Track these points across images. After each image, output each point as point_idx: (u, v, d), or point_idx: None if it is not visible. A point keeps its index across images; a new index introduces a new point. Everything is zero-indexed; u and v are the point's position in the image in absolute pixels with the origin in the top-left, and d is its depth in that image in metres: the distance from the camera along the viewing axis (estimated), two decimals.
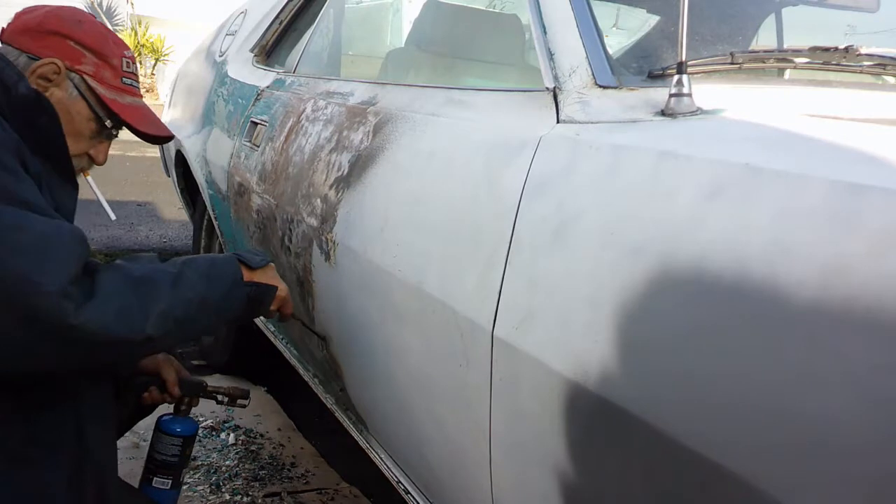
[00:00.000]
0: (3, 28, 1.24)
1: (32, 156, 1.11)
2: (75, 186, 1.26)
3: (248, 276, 1.25)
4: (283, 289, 1.32)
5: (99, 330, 1.00)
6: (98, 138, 1.27)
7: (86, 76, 1.22)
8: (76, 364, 1.07)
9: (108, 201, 1.52)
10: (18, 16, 1.26)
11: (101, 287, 1.02)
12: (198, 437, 2.16)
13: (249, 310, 1.27)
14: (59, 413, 1.13)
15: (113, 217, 1.45)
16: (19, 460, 1.09)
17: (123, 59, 1.27)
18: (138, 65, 1.35)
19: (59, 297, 0.97)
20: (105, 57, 1.25)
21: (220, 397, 1.51)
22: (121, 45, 1.30)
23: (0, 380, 1.04)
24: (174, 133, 2.73)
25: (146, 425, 1.51)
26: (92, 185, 1.39)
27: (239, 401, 1.52)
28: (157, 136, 1.34)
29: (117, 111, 1.25)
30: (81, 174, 1.30)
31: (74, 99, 1.22)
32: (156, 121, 1.35)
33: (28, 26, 1.23)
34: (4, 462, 1.08)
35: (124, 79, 1.27)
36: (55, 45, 1.21)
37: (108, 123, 1.26)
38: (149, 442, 1.46)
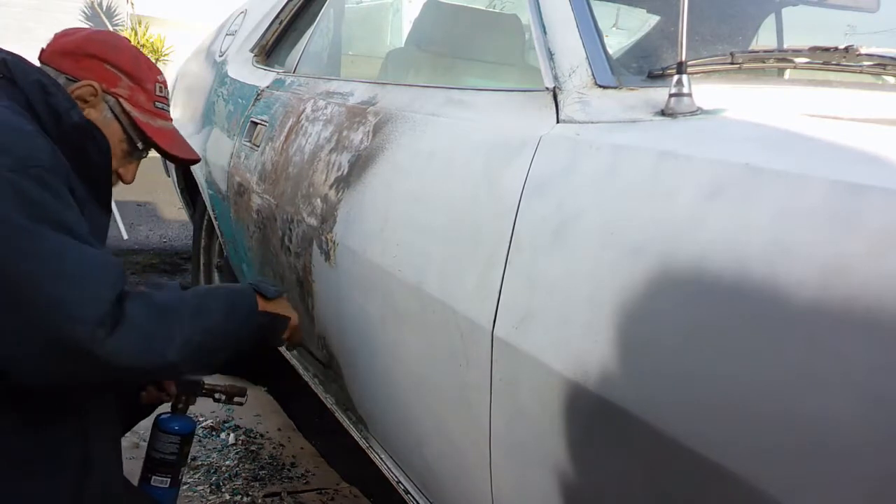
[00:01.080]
0: (42, 49, 1.28)
1: (78, 181, 1.15)
2: (109, 211, 1.31)
3: (262, 305, 1.29)
4: (294, 317, 1.36)
5: (125, 358, 1.04)
6: (128, 159, 1.32)
7: (121, 99, 1.27)
8: (96, 383, 1.11)
9: None
10: (57, 38, 1.30)
11: (129, 315, 1.05)
12: (198, 438, 2.17)
13: (262, 338, 1.32)
14: (64, 428, 1.15)
15: (125, 237, 1.51)
16: (25, 470, 1.10)
17: (157, 83, 1.32)
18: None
19: (93, 326, 1.00)
20: (140, 81, 1.29)
21: (217, 395, 1.51)
22: (154, 70, 1.34)
23: (11, 391, 1.06)
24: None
25: (146, 425, 1.51)
26: (112, 205, 1.43)
27: (236, 398, 1.53)
28: (185, 158, 1.39)
29: (150, 134, 1.29)
30: None
31: (109, 120, 1.26)
32: (184, 144, 1.40)
33: (67, 49, 1.27)
34: (10, 470, 1.09)
35: (157, 103, 1.32)
36: (93, 67, 1.25)
37: (139, 145, 1.31)
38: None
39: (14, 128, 1.08)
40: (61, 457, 1.14)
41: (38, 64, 1.26)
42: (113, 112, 1.27)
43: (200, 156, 1.74)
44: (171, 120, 1.38)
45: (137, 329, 1.05)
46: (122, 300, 1.06)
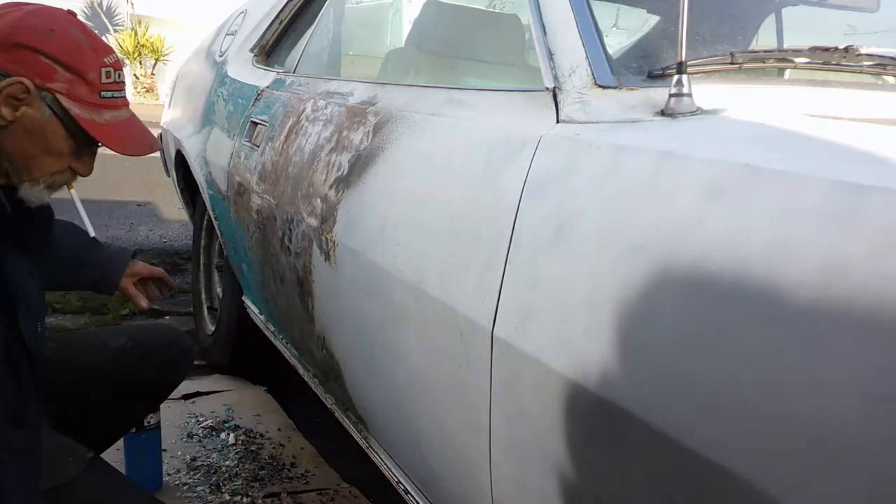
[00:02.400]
0: None
1: None
2: (32, 248, 1.19)
3: None
4: None
5: None
6: (79, 153, 1.19)
7: (58, 94, 1.12)
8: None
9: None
10: None
11: None
12: (198, 438, 2.17)
13: None
14: None
15: (92, 233, 1.38)
16: None
17: (102, 69, 1.16)
18: (124, 67, 1.23)
19: None
20: (80, 72, 1.14)
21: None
22: (100, 51, 1.18)
23: None
24: (175, 133, 2.72)
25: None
26: (75, 199, 1.30)
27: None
28: (138, 153, 1.23)
29: (93, 132, 1.15)
30: (66, 186, 1.24)
31: (48, 118, 1.13)
32: (138, 136, 1.23)
33: None
34: None
35: (103, 92, 1.16)
36: (25, 59, 1.10)
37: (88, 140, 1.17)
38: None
39: None
40: None
41: None
42: (52, 108, 1.12)
43: (197, 151, 1.69)
44: (125, 105, 1.21)
45: None
46: None
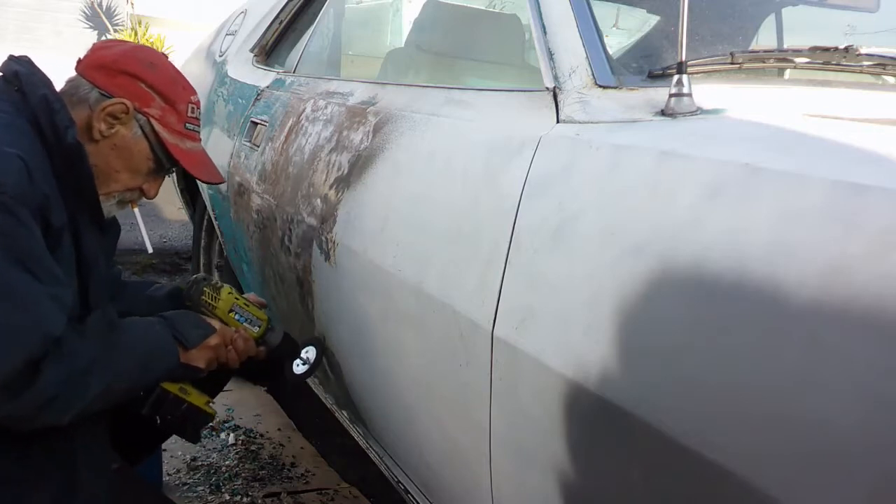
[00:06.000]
0: (79, 59, 1.28)
1: (60, 206, 1.13)
2: (110, 229, 1.31)
3: (182, 356, 1.29)
4: (213, 358, 1.33)
5: (19, 419, 1.06)
6: (153, 175, 1.32)
7: (152, 119, 1.26)
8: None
9: None
10: (95, 49, 1.30)
11: (40, 384, 1.04)
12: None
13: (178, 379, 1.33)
14: (52, 437, 1.13)
15: (150, 250, 1.46)
16: (6, 479, 1.10)
17: (189, 104, 1.31)
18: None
19: None
20: (172, 102, 1.28)
21: None
22: (189, 90, 1.33)
23: None
24: None
25: None
26: (138, 218, 1.42)
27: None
28: (209, 180, 1.40)
29: (177, 156, 1.29)
30: (129, 205, 1.36)
31: (138, 138, 1.26)
32: (210, 166, 1.41)
33: (103, 63, 1.26)
34: None
35: (187, 124, 1.31)
36: (127, 85, 1.24)
37: (165, 164, 1.31)
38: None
39: None
40: (46, 467, 1.13)
41: (74, 73, 1.26)
42: (143, 130, 1.26)
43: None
44: (200, 140, 1.38)
45: (42, 399, 1.05)
46: (43, 361, 1.05)
